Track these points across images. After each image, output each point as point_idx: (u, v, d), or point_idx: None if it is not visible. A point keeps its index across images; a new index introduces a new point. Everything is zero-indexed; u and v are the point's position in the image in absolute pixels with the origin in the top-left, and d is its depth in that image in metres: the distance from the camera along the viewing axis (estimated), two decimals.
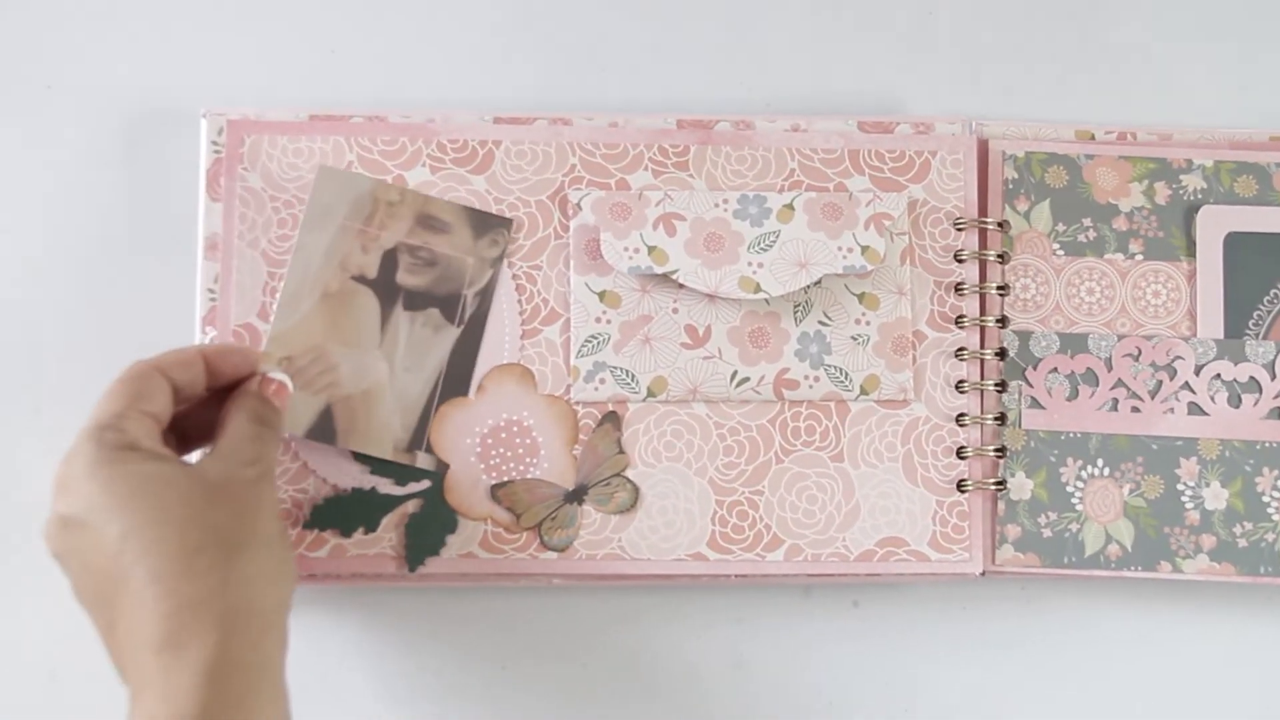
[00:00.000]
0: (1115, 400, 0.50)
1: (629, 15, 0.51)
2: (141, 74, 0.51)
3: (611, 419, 0.48)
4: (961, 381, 0.50)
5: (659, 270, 0.48)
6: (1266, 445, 0.50)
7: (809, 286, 0.49)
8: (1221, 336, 0.51)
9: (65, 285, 0.50)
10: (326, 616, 0.49)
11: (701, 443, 0.49)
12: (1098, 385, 0.51)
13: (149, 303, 0.50)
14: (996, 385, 0.50)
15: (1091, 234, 0.51)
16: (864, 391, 0.49)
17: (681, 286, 0.48)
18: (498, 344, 0.48)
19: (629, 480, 0.48)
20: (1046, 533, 0.50)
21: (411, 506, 0.47)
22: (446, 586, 0.49)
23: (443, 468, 0.47)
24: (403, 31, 0.52)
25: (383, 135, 0.48)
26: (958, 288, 0.50)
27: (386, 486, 0.47)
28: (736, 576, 0.49)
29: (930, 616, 0.51)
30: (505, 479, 0.48)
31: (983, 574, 0.50)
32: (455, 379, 0.48)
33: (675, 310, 0.49)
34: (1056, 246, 0.51)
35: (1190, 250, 0.51)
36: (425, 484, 0.48)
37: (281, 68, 0.51)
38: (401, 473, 0.47)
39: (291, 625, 0.48)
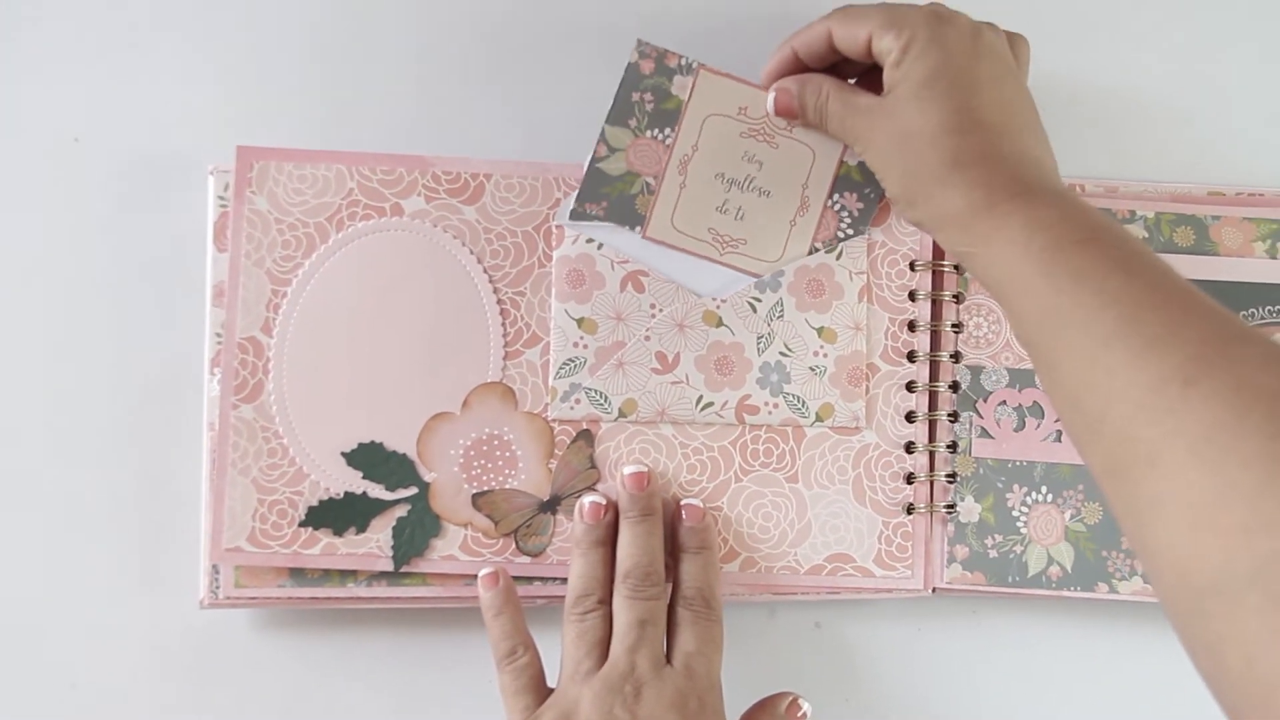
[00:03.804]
0: (1059, 432, 0.57)
1: (611, 75, 0.58)
2: (160, 129, 0.58)
3: (585, 436, 0.56)
4: (911, 413, 0.57)
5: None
6: None
7: (772, 320, 0.56)
8: None
9: (88, 322, 0.57)
10: (320, 637, 0.57)
11: (667, 461, 0.56)
12: (1043, 418, 0.58)
13: (163, 342, 0.57)
14: (949, 415, 0.57)
15: None
16: (819, 418, 0.56)
17: (654, 317, 0.55)
18: (483, 363, 0.56)
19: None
20: (993, 554, 0.57)
21: (399, 510, 0.55)
22: (434, 607, 0.56)
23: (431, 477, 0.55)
24: (404, 91, 0.59)
25: (381, 165, 0.56)
26: (911, 325, 0.57)
27: (377, 491, 0.55)
28: None
29: (886, 635, 0.59)
30: (486, 488, 0.55)
31: (933, 592, 0.57)
32: None
33: (647, 338, 0.56)
34: None
35: None
36: (412, 490, 0.55)
37: (290, 124, 0.58)
38: (391, 479, 0.55)
39: (287, 646, 0.57)
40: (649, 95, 0.55)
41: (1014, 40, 0.52)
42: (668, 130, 0.55)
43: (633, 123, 0.55)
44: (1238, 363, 0.38)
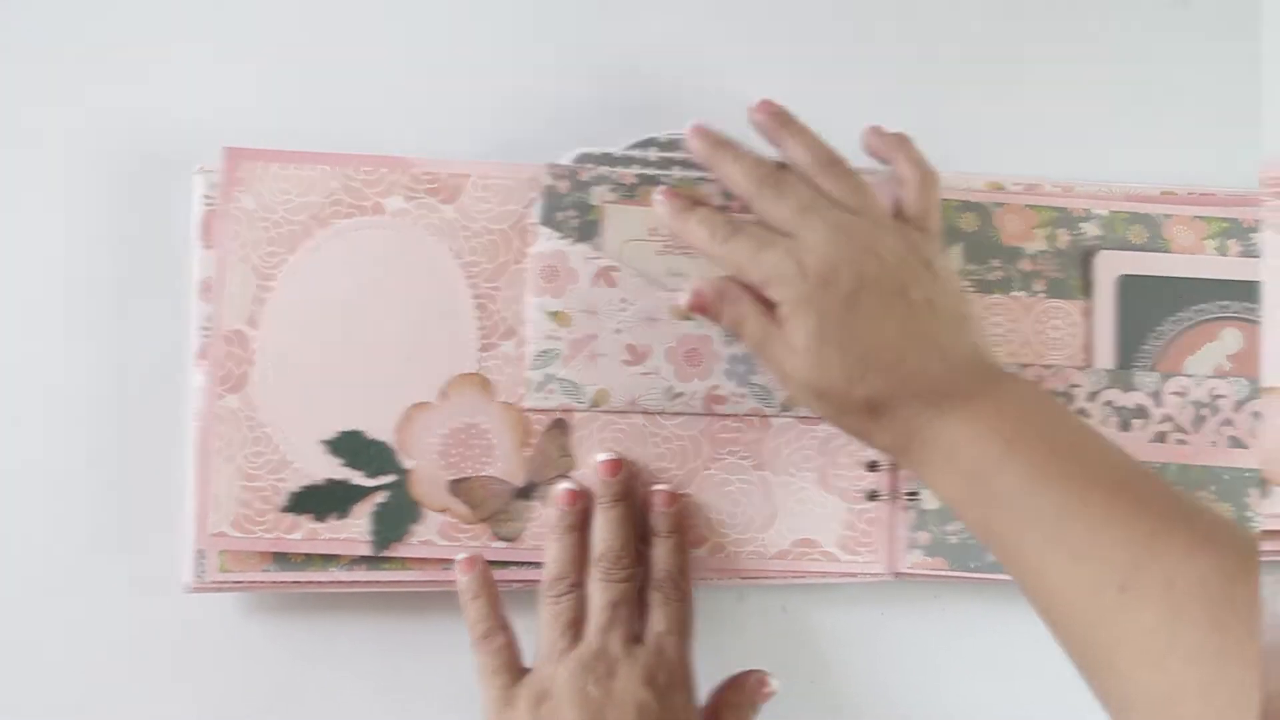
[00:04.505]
0: None
1: (585, 77, 0.61)
2: (150, 129, 0.60)
3: (559, 426, 0.58)
4: None
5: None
6: (1151, 466, 0.59)
7: None
8: (1113, 367, 0.60)
9: (78, 318, 0.59)
10: (304, 620, 0.59)
11: (639, 449, 0.58)
12: None
13: (151, 335, 0.59)
14: None
15: (999, 274, 0.60)
16: (785, 408, 0.58)
17: (624, 310, 0.58)
18: (460, 355, 0.58)
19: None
20: (953, 539, 0.59)
21: (379, 497, 0.57)
22: (414, 590, 0.58)
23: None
24: (387, 93, 0.61)
25: (364, 166, 0.58)
26: None
27: (358, 478, 0.57)
28: None
29: (851, 619, 0.61)
30: (463, 475, 0.58)
31: (896, 577, 0.59)
32: None
33: (619, 331, 0.58)
34: (968, 284, 0.60)
35: (1087, 290, 0.60)
36: (392, 477, 0.57)
37: (276, 125, 0.60)
38: (371, 467, 0.57)
39: (272, 630, 0.59)
40: (572, 211, 0.58)
41: (915, 190, 0.53)
42: (597, 240, 0.58)
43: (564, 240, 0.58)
44: (1165, 559, 0.41)
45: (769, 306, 0.52)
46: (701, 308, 0.54)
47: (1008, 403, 0.48)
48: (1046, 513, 0.44)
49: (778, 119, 0.55)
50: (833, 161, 0.54)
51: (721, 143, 0.55)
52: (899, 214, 0.54)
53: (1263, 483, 0.59)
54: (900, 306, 0.50)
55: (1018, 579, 0.47)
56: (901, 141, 0.55)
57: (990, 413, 0.48)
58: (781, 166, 0.54)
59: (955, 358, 0.50)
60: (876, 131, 0.55)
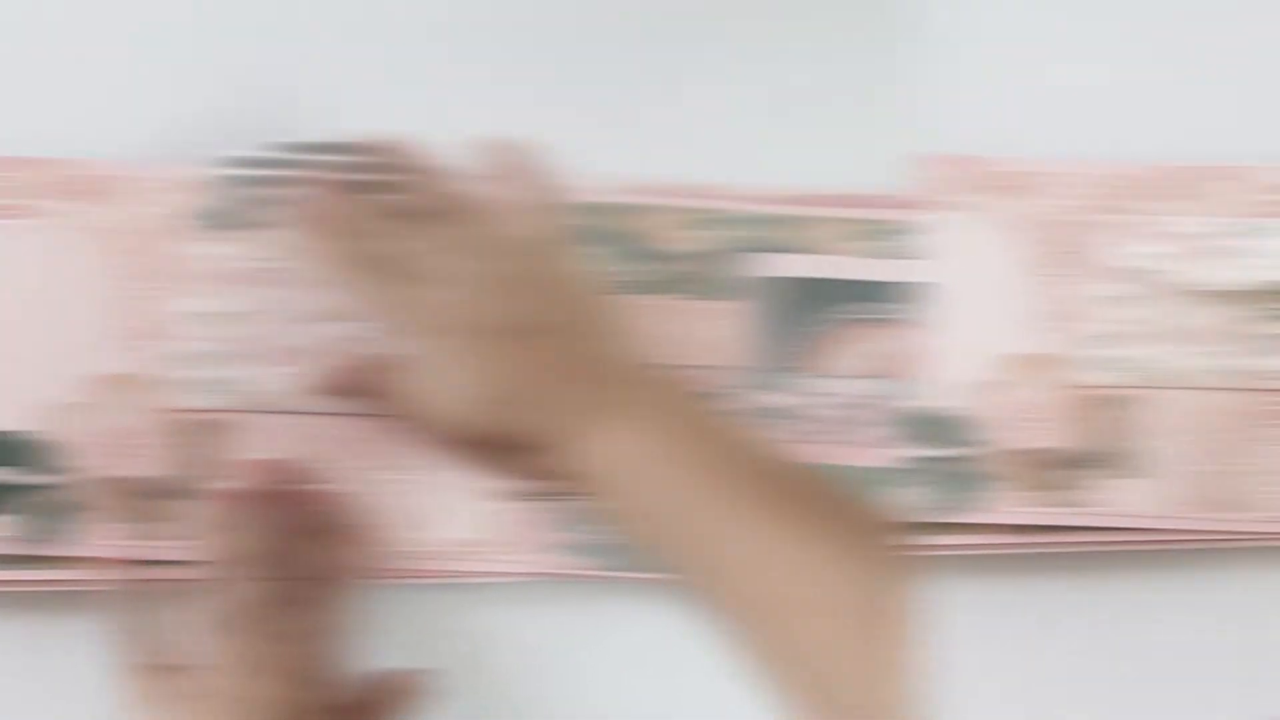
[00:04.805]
0: None
1: (245, 79, 0.61)
2: None
3: (212, 426, 0.59)
4: None
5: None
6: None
7: None
8: (761, 369, 0.61)
9: None
10: None
11: (296, 449, 0.59)
12: None
13: None
14: None
15: (647, 276, 0.61)
16: None
17: (279, 312, 0.59)
18: (114, 355, 0.59)
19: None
20: (604, 539, 0.60)
21: (30, 496, 0.58)
22: (65, 590, 0.58)
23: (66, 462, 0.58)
24: (38, 90, 0.61)
25: (15, 167, 0.59)
26: None
27: (10, 476, 0.58)
28: None
29: (503, 619, 0.62)
30: (117, 475, 0.58)
31: (546, 576, 0.60)
32: None
33: (273, 332, 0.59)
34: (616, 288, 0.60)
35: (734, 292, 0.61)
36: (45, 476, 0.58)
37: None
38: (24, 466, 0.58)
39: None
40: (228, 213, 0.59)
41: (527, 210, 0.55)
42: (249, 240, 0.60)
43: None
44: (813, 558, 0.45)
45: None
46: (332, 392, 0.56)
47: (646, 415, 0.50)
48: (695, 520, 0.47)
49: (385, 157, 0.56)
50: (440, 201, 0.55)
51: (331, 196, 0.56)
52: (512, 236, 0.54)
53: (983, 476, 0.61)
54: (526, 338, 0.51)
55: (687, 584, 0.49)
56: (513, 159, 0.56)
57: (632, 427, 0.49)
58: (389, 213, 0.55)
59: (588, 376, 0.51)
60: (489, 146, 0.56)
